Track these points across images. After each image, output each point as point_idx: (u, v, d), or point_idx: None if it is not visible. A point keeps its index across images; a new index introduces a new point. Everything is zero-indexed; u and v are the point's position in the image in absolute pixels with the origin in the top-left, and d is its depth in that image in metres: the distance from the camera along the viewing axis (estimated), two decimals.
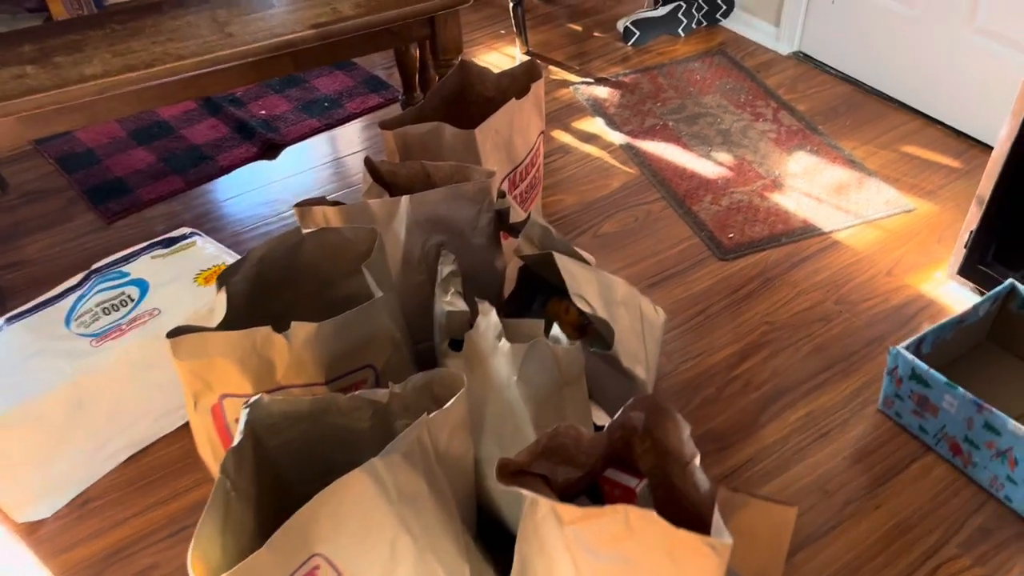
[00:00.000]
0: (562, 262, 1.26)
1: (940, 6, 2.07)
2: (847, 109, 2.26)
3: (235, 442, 1.03)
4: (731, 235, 1.86)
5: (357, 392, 1.06)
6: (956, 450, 1.38)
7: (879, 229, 1.87)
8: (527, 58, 2.55)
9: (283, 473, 1.16)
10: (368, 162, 1.45)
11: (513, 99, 1.55)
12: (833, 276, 1.76)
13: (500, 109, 1.51)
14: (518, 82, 1.68)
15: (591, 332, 1.45)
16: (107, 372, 1.36)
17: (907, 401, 1.42)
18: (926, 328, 1.67)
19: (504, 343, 1.08)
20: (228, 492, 1.00)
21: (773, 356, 1.60)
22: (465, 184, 1.33)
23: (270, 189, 2.08)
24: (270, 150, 2.19)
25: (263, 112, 2.30)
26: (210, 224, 1.96)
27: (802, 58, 2.47)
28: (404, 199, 1.32)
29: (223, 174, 2.11)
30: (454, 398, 1.03)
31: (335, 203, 1.38)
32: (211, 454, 1.25)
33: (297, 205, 1.36)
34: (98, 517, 1.39)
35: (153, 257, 1.54)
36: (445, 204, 1.33)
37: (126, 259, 1.53)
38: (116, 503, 1.40)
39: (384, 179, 1.45)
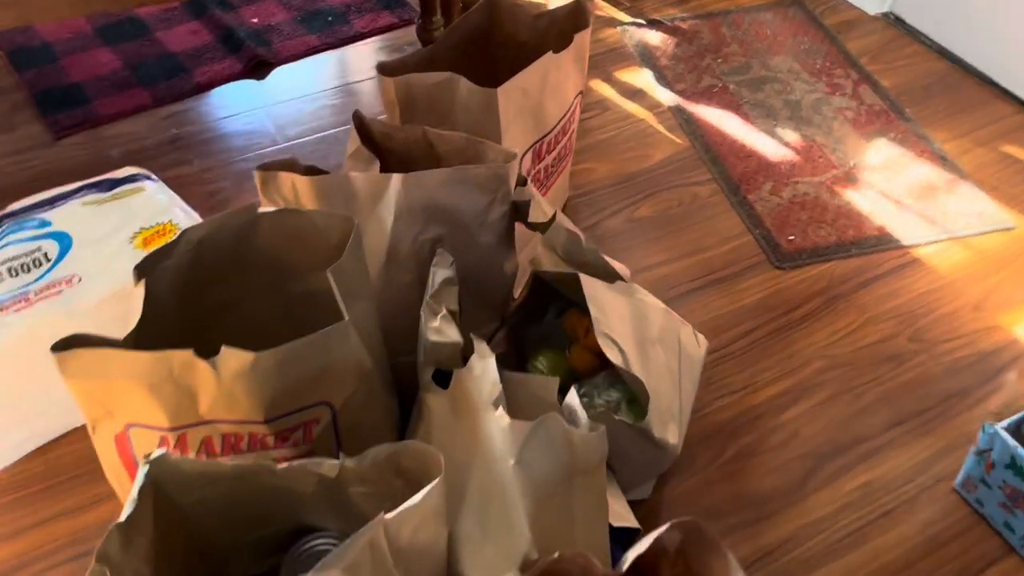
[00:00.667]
0: (590, 290, 0.96)
1: None
2: (941, 91, 1.90)
3: (124, 514, 0.76)
4: (791, 237, 1.55)
5: (295, 463, 0.79)
6: None
7: (969, 249, 1.56)
8: None
9: (200, 531, 0.89)
10: (358, 118, 1.13)
11: (550, 52, 1.22)
12: (910, 304, 1.46)
13: (532, 64, 1.19)
14: (558, 27, 1.35)
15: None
16: (4, 353, 1.08)
17: (996, 491, 1.14)
18: (1013, 381, 1.39)
19: (501, 415, 0.79)
20: None
21: (829, 401, 1.31)
22: (476, 167, 1.02)
23: (253, 116, 1.77)
24: (258, 68, 1.86)
25: (255, 20, 1.96)
26: (175, 154, 1.66)
27: (893, 21, 2.10)
28: (396, 178, 1.02)
29: (199, 92, 1.79)
30: (426, 490, 0.75)
31: (310, 169, 1.08)
32: (116, 481, 0.98)
33: (260, 168, 1.06)
34: None
35: (85, 203, 1.24)
36: (448, 189, 1.03)
37: (50, 202, 1.23)
38: (12, 508, 1.15)
39: (376, 142, 1.14)
